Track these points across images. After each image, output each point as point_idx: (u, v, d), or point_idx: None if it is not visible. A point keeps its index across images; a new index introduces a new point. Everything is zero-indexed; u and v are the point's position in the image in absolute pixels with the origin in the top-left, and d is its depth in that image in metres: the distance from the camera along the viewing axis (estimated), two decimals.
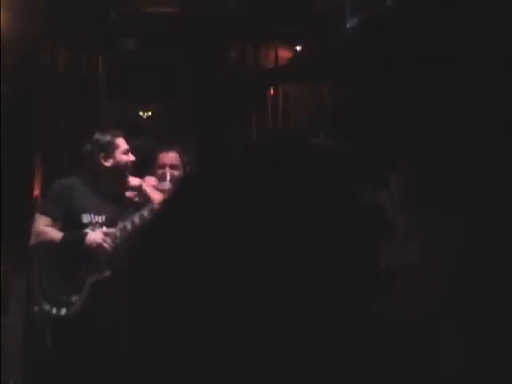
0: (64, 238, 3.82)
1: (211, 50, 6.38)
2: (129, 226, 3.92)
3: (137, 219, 3.94)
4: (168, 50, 6.29)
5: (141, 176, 4.35)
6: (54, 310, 3.79)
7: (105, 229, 3.88)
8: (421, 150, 4.15)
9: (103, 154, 3.92)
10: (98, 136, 3.99)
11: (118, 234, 3.90)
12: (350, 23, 5.36)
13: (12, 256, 4.83)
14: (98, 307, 3.78)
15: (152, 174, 4.38)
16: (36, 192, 5.78)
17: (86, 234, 3.83)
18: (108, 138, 3.97)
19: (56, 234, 3.84)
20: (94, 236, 3.81)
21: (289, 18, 6.05)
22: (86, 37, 6.01)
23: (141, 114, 7.91)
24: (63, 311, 3.78)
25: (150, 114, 7.95)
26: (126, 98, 6.71)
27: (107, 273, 3.84)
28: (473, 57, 4.10)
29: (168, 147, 4.41)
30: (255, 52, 6.61)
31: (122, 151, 3.98)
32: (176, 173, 4.30)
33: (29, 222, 4.07)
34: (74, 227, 3.88)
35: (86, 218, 3.89)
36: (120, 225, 3.93)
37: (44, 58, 5.99)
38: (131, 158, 4.04)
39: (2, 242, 4.99)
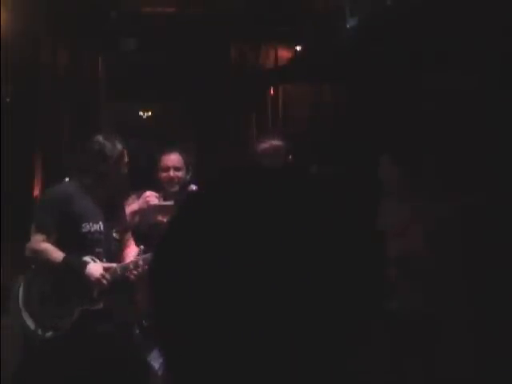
0: (64, 261, 3.73)
1: (211, 50, 6.39)
2: (131, 266, 3.88)
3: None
4: (168, 50, 6.29)
5: (140, 182, 4.32)
6: (40, 332, 3.76)
7: (105, 262, 3.83)
8: (419, 146, 4.15)
9: (111, 161, 3.87)
10: (105, 140, 3.91)
11: (118, 270, 3.86)
12: (350, 23, 5.36)
13: (12, 256, 4.83)
14: (84, 334, 3.76)
15: (156, 176, 4.34)
16: (36, 192, 5.79)
17: (87, 263, 3.77)
18: (119, 145, 3.91)
19: (55, 255, 3.76)
20: (95, 269, 3.74)
21: (289, 18, 6.05)
22: (86, 37, 6.01)
23: (141, 113, 7.92)
24: (49, 334, 3.76)
25: (149, 113, 7.96)
26: (126, 98, 6.71)
27: (98, 305, 3.80)
28: (473, 55, 4.10)
29: (170, 149, 4.37)
30: (255, 52, 6.61)
31: (125, 161, 3.95)
32: (180, 174, 4.28)
33: (29, 222, 4.05)
34: (72, 236, 3.81)
35: (85, 228, 3.83)
36: (124, 263, 3.88)
37: (44, 57, 5.99)
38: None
39: (2, 241, 4.99)
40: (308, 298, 0.70)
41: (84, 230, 3.79)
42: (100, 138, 3.90)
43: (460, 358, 3.38)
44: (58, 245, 3.79)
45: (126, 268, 3.84)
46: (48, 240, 3.78)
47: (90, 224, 3.81)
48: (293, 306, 0.70)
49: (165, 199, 4.22)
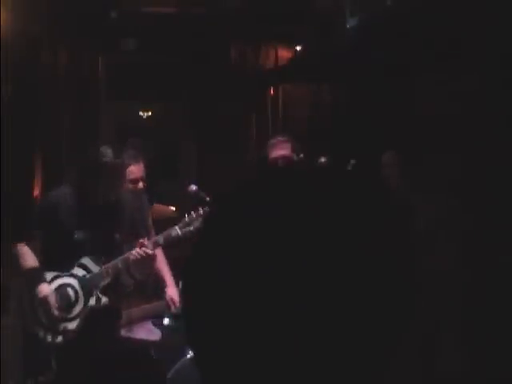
0: (24, 271, 3.75)
1: (211, 50, 6.39)
2: (131, 257, 3.84)
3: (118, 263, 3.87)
4: (168, 49, 6.29)
5: None
6: (49, 338, 3.76)
7: (106, 265, 3.80)
8: (420, 149, 4.16)
9: (107, 169, 3.83)
10: (105, 148, 3.86)
11: (120, 264, 3.82)
12: (350, 23, 5.36)
13: (12, 256, 4.83)
14: (93, 333, 3.75)
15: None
16: (36, 192, 5.79)
17: (43, 282, 3.73)
18: (120, 157, 3.89)
19: (23, 262, 3.75)
20: (43, 289, 3.69)
21: (289, 18, 6.05)
22: (86, 37, 6.01)
23: (141, 113, 7.92)
24: (59, 339, 3.75)
25: (149, 113, 7.96)
26: (126, 98, 6.71)
27: (104, 303, 3.80)
28: (472, 56, 4.10)
29: (136, 159, 4.30)
30: (255, 52, 6.61)
31: (123, 170, 3.91)
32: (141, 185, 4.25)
33: (29, 222, 4.04)
34: (66, 243, 3.77)
35: (78, 234, 3.81)
36: (123, 256, 3.86)
37: (44, 57, 5.99)
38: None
39: (2, 241, 4.98)
40: (350, 305, 0.69)
41: (77, 237, 3.76)
42: (103, 146, 3.83)
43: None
44: (53, 251, 3.77)
45: (126, 260, 3.83)
46: (31, 244, 3.80)
47: (84, 230, 3.77)
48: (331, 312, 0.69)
49: None
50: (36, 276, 3.76)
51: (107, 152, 3.79)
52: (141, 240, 3.83)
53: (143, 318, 4.12)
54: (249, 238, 0.74)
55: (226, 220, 0.79)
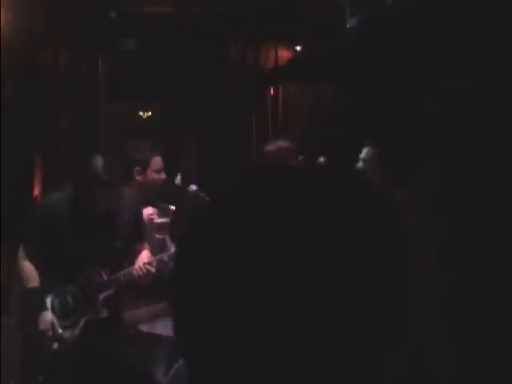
0: (27, 292, 3.73)
1: (211, 50, 6.39)
2: (135, 273, 3.80)
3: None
4: (168, 49, 6.29)
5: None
6: (46, 343, 3.75)
7: (106, 273, 3.77)
8: (420, 149, 4.16)
9: (97, 172, 3.77)
10: (101, 153, 3.77)
11: (122, 277, 3.78)
12: (350, 23, 5.35)
13: (12, 256, 4.83)
14: (90, 343, 3.74)
15: (145, 177, 4.22)
16: (36, 192, 5.79)
17: (45, 312, 3.70)
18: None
19: (25, 280, 3.74)
20: (45, 321, 3.68)
21: (289, 18, 6.05)
22: (86, 37, 6.01)
23: (141, 113, 7.92)
24: (55, 346, 3.74)
25: (149, 113, 7.96)
26: (126, 98, 6.71)
27: (103, 314, 3.78)
28: (472, 56, 4.11)
29: (157, 151, 4.29)
30: (255, 52, 6.61)
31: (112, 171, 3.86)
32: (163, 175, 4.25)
33: (29, 222, 4.03)
34: (59, 250, 3.70)
35: (71, 239, 3.73)
36: (128, 269, 3.81)
37: (44, 58, 5.99)
38: None
39: (2, 241, 4.98)
40: (337, 303, 0.69)
41: (71, 242, 3.71)
42: (95, 156, 3.72)
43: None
44: (46, 259, 3.75)
45: (128, 275, 3.80)
46: (32, 255, 3.79)
47: (83, 237, 3.71)
48: (320, 311, 0.69)
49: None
50: (38, 299, 3.74)
51: (99, 164, 3.66)
52: (145, 260, 3.80)
53: (165, 314, 4.10)
54: (240, 236, 0.74)
55: (217, 220, 0.78)
